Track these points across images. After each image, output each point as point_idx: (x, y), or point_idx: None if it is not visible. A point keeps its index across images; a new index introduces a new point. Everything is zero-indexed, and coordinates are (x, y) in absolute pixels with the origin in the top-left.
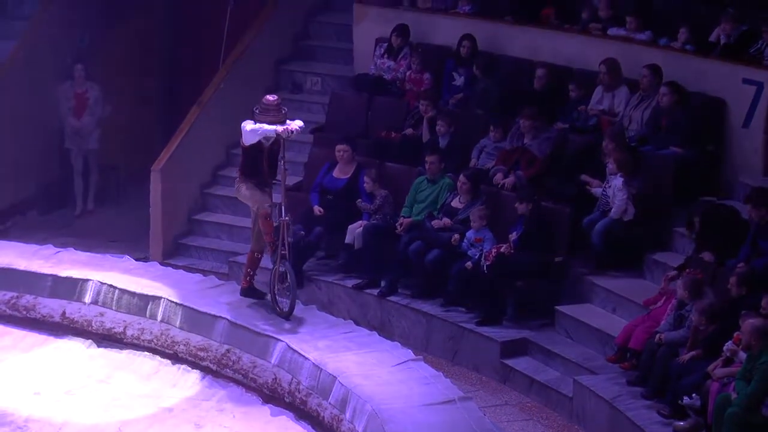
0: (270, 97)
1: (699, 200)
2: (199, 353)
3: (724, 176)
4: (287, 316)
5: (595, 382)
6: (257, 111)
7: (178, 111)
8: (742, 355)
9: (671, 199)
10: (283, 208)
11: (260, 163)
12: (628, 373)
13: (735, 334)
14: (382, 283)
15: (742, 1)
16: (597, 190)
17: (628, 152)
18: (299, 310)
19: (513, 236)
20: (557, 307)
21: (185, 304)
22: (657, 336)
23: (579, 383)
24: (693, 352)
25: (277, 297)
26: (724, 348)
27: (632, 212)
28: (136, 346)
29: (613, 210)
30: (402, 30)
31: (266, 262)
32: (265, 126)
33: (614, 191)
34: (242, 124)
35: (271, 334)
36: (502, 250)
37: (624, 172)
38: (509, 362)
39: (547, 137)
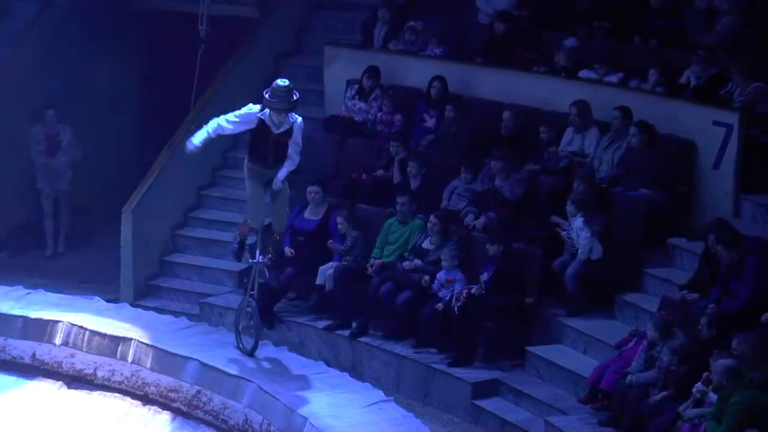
0: (281, 82)
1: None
2: (169, 394)
3: (695, 218)
4: (251, 353)
5: (566, 423)
6: (266, 95)
7: (149, 153)
8: (713, 396)
9: (641, 241)
10: (258, 250)
11: (265, 148)
12: (600, 414)
13: (704, 375)
14: (353, 325)
15: (711, 43)
16: (563, 233)
17: (588, 191)
18: (270, 350)
19: (484, 277)
20: (528, 348)
21: (156, 345)
22: (628, 377)
23: (550, 424)
24: (664, 393)
25: (241, 335)
26: (694, 390)
27: (599, 250)
28: (106, 387)
29: (579, 251)
30: (373, 71)
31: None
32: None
33: (577, 232)
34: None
35: (242, 375)
36: (473, 291)
37: (583, 211)
38: (480, 403)
39: (518, 179)
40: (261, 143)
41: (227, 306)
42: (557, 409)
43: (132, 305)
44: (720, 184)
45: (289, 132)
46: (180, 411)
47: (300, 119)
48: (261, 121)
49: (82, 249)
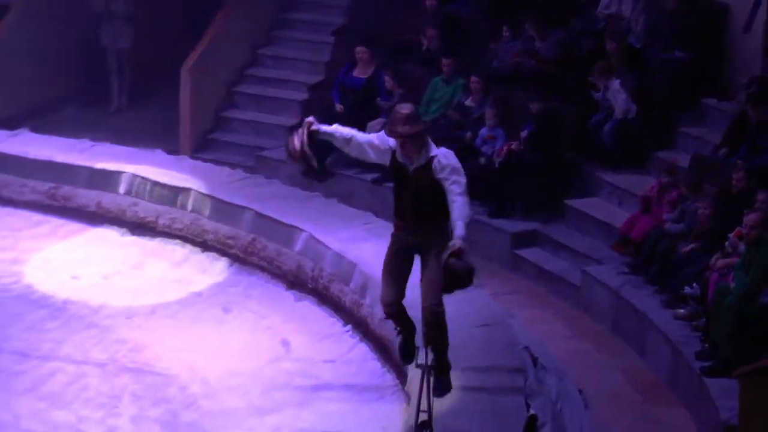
0: (398, 108)
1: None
2: (227, 242)
3: (726, 79)
4: None
5: (600, 272)
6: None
7: (207, 12)
8: (743, 248)
9: (675, 101)
10: (420, 346)
11: (405, 196)
12: (631, 263)
13: (737, 229)
14: None
15: None
16: (598, 95)
17: (620, 51)
18: (321, 202)
19: (524, 134)
20: (566, 201)
21: (214, 195)
22: (661, 227)
23: (586, 272)
24: (693, 245)
25: None
26: (726, 243)
27: (634, 110)
28: (167, 234)
29: (616, 110)
30: None
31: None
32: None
33: (613, 93)
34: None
35: (295, 224)
36: (513, 147)
37: (618, 73)
38: (520, 252)
39: (555, 40)
40: (400, 188)
41: (280, 159)
42: (592, 259)
43: (191, 158)
44: (750, 46)
45: (427, 169)
46: (237, 257)
47: (443, 151)
48: (393, 154)
49: (144, 105)
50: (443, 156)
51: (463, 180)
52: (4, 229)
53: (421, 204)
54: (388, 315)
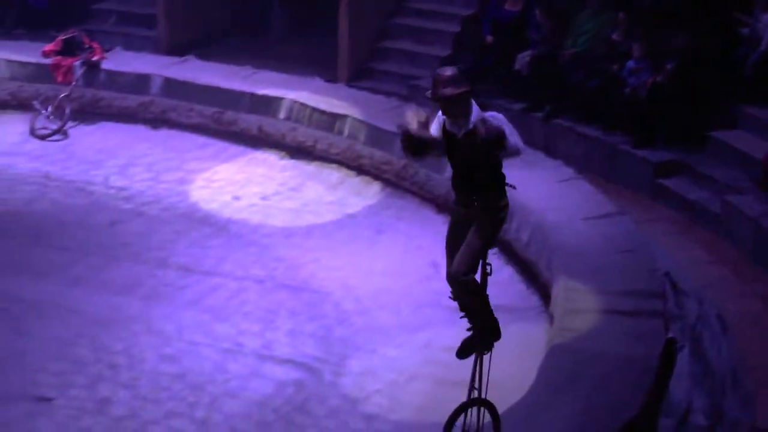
0: (440, 70)
1: None
2: (381, 166)
3: None
4: None
5: (741, 201)
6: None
7: None
8: None
9: None
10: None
11: (456, 165)
12: None
13: None
14: (547, 108)
15: None
16: (745, 30)
17: None
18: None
19: (669, 67)
20: (709, 133)
21: (369, 122)
22: None
23: (727, 202)
24: None
25: None
26: None
27: None
28: (324, 158)
29: (763, 43)
30: None
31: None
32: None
33: (764, 26)
34: None
35: None
36: (658, 79)
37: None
38: (662, 181)
39: None
40: (452, 160)
41: None
42: (733, 189)
43: (347, 86)
44: None
45: (473, 136)
46: (389, 182)
47: (490, 114)
48: (444, 125)
49: (303, 35)
50: (492, 117)
51: (514, 134)
52: (171, 151)
53: (471, 174)
54: (454, 294)
